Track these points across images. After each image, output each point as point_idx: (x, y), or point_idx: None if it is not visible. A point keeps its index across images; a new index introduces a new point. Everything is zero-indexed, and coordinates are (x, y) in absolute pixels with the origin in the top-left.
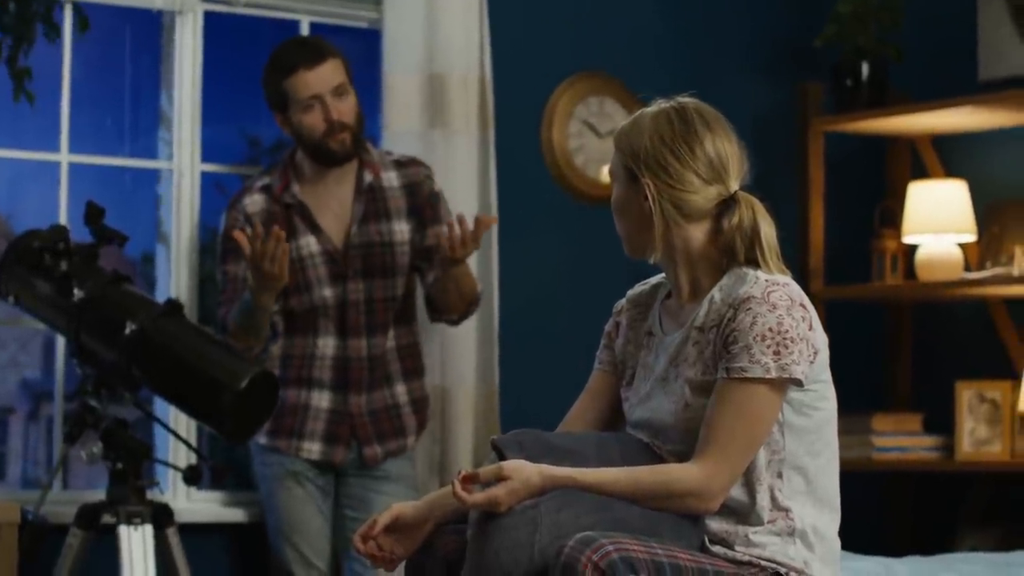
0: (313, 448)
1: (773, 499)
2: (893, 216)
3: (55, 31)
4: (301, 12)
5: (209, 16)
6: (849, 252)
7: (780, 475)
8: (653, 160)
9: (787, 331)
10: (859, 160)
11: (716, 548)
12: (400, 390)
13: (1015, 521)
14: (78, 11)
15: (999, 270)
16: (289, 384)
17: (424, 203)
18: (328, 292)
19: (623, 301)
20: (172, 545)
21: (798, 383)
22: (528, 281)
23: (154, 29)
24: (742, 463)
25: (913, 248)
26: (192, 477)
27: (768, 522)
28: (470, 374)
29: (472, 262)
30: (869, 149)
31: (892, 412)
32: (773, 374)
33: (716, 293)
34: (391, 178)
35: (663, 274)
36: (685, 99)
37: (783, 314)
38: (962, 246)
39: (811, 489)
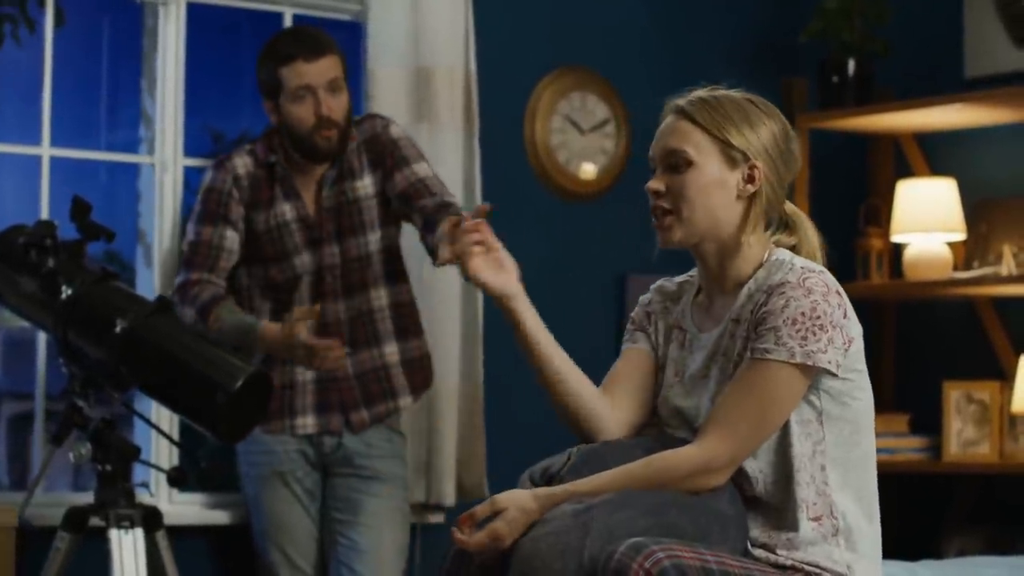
0: (307, 422)
1: (819, 493)
2: (878, 214)
3: (30, 25)
4: (284, 4)
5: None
6: (834, 250)
7: (823, 468)
8: (769, 151)
9: (820, 317)
10: (843, 157)
11: (758, 552)
12: (390, 350)
13: (1002, 523)
14: (56, 2)
15: (987, 270)
16: (271, 366)
17: (384, 152)
18: (307, 259)
19: (650, 294)
20: (161, 549)
21: (823, 372)
22: None
23: (132, 21)
24: (749, 443)
25: (897, 247)
26: (177, 479)
27: (812, 519)
28: (454, 372)
29: None
30: (853, 146)
31: (878, 413)
32: (797, 359)
33: (752, 283)
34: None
35: (689, 273)
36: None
37: (819, 299)
38: (949, 245)
39: (850, 480)
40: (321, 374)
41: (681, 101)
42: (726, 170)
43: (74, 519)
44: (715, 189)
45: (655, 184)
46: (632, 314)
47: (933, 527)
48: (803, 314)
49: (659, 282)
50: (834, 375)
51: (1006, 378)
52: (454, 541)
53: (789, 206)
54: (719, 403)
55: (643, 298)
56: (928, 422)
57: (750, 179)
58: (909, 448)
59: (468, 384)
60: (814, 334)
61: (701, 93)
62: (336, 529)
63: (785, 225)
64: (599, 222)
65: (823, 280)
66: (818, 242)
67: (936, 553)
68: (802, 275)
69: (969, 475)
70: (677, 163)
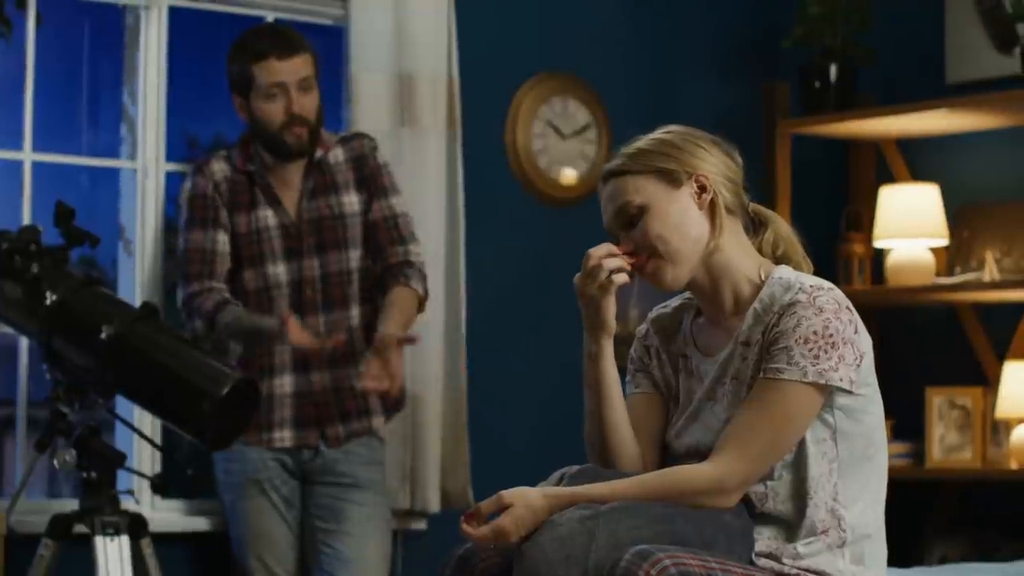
0: (285, 436)
1: (831, 510)
2: (860, 220)
3: (7, 26)
4: (266, 8)
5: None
6: (815, 256)
7: (836, 484)
8: (704, 157)
9: (832, 335)
10: (825, 163)
11: (763, 562)
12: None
13: (984, 528)
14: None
15: (969, 275)
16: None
17: (370, 175)
18: (282, 269)
19: (646, 325)
20: (146, 556)
21: (837, 389)
22: (494, 284)
23: (113, 24)
24: (762, 463)
25: (880, 252)
26: (160, 486)
27: (821, 532)
28: (437, 379)
29: (439, 265)
30: (835, 152)
31: None
32: (809, 378)
33: (758, 304)
34: (337, 154)
35: (683, 295)
36: None
37: (830, 317)
38: (932, 251)
39: (861, 494)
40: (300, 388)
41: (604, 167)
42: (675, 193)
43: (59, 526)
44: (676, 213)
45: (624, 246)
46: (631, 351)
47: (915, 532)
48: (815, 333)
49: (655, 312)
50: (848, 392)
51: (989, 384)
52: (462, 532)
53: (752, 205)
54: (733, 423)
55: (640, 330)
56: (911, 428)
57: (702, 188)
58: (892, 454)
59: (451, 391)
60: (826, 352)
61: (619, 150)
62: (319, 538)
63: (757, 224)
64: (580, 227)
65: (833, 297)
66: (791, 232)
67: (918, 559)
68: (812, 294)
69: (952, 481)
70: (631, 216)
